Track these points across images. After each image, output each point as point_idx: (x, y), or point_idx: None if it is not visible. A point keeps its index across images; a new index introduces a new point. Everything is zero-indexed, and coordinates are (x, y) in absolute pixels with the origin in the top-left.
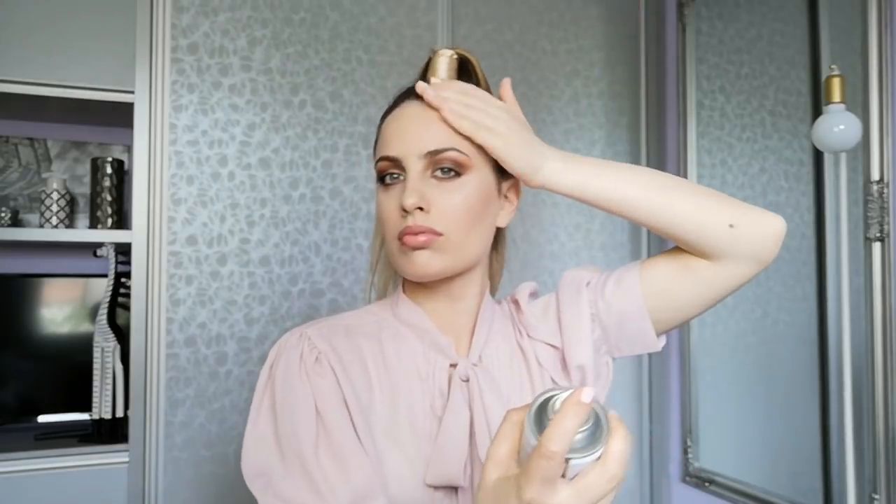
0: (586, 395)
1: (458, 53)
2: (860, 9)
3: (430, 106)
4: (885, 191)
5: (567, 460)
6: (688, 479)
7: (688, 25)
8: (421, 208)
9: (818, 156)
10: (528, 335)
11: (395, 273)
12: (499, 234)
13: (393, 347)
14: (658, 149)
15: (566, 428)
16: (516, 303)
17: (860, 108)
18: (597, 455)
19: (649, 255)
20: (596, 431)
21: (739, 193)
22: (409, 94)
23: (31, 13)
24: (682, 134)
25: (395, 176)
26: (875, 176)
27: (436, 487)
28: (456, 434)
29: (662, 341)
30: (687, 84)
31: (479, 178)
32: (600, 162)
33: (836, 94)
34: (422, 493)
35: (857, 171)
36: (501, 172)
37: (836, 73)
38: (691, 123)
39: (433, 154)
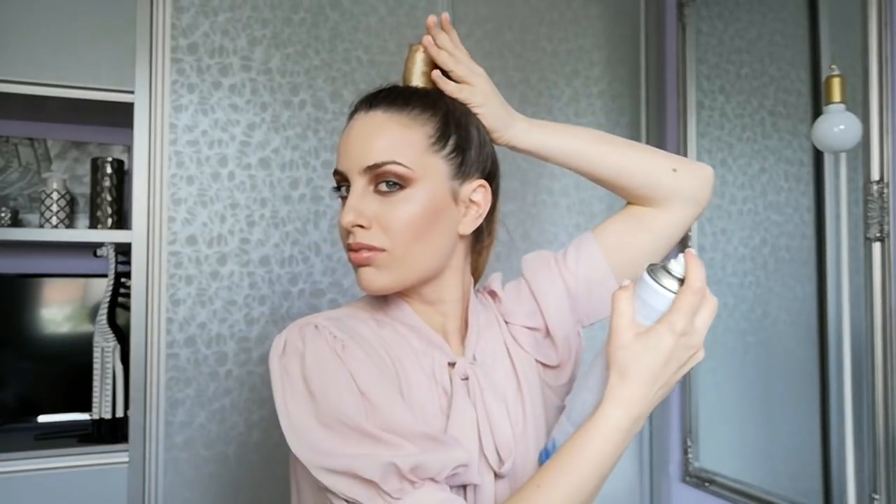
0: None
1: None
2: (860, 9)
3: (377, 117)
4: (885, 191)
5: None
6: (688, 479)
7: (688, 25)
8: (361, 226)
9: (818, 156)
10: (507, 321)
11: None
12: (480, 234)
13: (397, 343)
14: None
15: (702, 269)
16: (492, 293)
17: (860, 108)
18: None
19: None
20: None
21: (739, 193)
22: (360, 105)
23: (32, 13)
24: (682, 134)
25: (348, 189)
26: (875, 176)
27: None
28: (465, 432)
29: None
30: (687, 84)
31: (426, 189)
32: (560, 125)
33: (836, 94)
34: None
35: (857, 171)
36: (461, 178)
37: (836, 73)
38: (691, 123)
39: (373, 168)
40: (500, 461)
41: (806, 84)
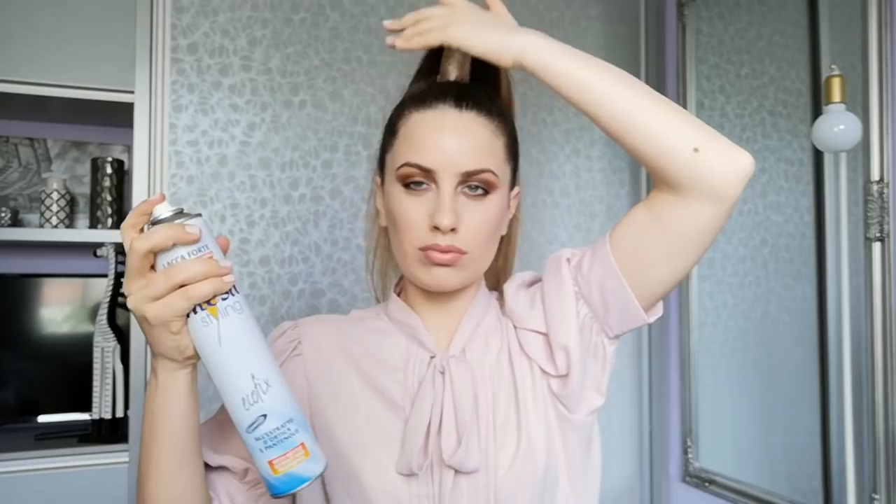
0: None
1: None
2: (860, 9)
3: (471, 119)
4: (885, 191)
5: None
6: (688, 479)
7: (688, 25)
8: (453, 229)
9: (818, 156)
10: (515, 325)
11: (390, 274)
12: (503, 238)
13: (377, 340)
14: None
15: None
16: (501, 294)
17: (860, 108)
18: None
19: None
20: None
21: None
22: (446, 95)
23: (32, 13)
24: None
25: (422, 184)
26: (875, 176)
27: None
28: (418, 423)
29: (657, 313)
30: (687, 84)
31: (501, 196)
32: (578, 51)
33: (836, 94)
34: (398, 478)
35: (857, 171)
36: (513, 186)
37: (836, 73)
38: None
39: (471, 174)
40: (454, 451)
41: (806, 84)
